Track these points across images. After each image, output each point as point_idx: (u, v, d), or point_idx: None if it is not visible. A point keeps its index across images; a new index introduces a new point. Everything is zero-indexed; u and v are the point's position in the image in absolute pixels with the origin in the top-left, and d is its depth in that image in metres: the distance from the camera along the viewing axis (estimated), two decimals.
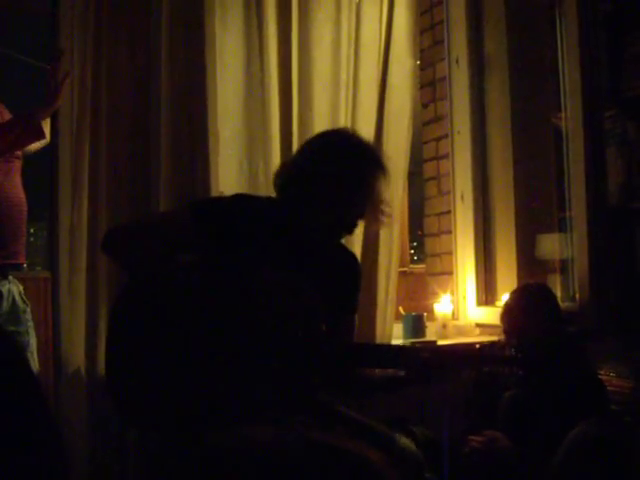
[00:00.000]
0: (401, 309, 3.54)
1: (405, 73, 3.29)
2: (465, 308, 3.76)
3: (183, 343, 2.05)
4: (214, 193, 2.89)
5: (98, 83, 2.84)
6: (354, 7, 3.22)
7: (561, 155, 3.41)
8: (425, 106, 4.08)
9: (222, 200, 2.37)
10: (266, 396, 2.01)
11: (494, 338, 3.10)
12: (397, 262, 3.34)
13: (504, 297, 3.18)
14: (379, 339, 3.19)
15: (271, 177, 3.00)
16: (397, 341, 3.40)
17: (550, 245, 3.78)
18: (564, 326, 2.88)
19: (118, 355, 2.13)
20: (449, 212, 3.87)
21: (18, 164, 2.95)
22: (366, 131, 3.17)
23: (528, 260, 3.78)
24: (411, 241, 6.23)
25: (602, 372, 2.88)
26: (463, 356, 2.27)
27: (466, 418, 2.86)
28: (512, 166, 3.78)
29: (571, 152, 3.25)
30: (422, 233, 4.29)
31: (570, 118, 3.25)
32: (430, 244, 4.05)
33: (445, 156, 3.91)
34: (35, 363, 2.78)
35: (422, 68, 3.98)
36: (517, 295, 2.93)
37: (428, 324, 3.53)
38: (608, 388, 2.77)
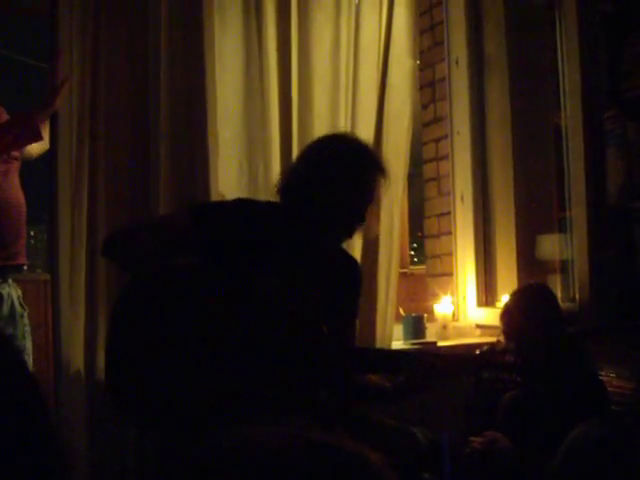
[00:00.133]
0: (401, 310, 3.54)
1: (405, 74, 3.29)
2: (465, 309, 3.75)
3: (182, 343, 2.05)
4: (214, 194, 2.89)
5: (97, 85, 2.84)
6: (353, 8, 3.22)
7: (561, 155, 3.41)
8: (425, 107, 4.07)
9: (223, 204, 2.37)
10: (266, 397, 2.00)
11: (493, 339, 3.10)
12: (397, 263, 3.34)
13: (504, 298, 3.18)
14: (379, 340, 3.19)
15: (271, 179, 3.02)
16: (397, 342, 3.40)
17: (550, 246, 3.78)
18: (564, 326, 2.88)
19: (117, 355, 2.13)
20: (449, 213, 3.86)
21: (16, 165, 2.95)
22: (366, 132, 3.17)
23: (528, 261, 3.78)
24: (411, 242, 6.22)
25: (602, 373, 2.88)
26: (463, 362, 2.27)
27: (466, 419, 2.86)
28: (512, 167, 3.77)
29: (571, 152, 3.25)
30: (422, 234, 4.28)
31: (570, 118, 3.25)
32: (430, 245, 4.05)
33: (445, 157, 3.91)
34: (30, 367, 2.78)
35: (421, 69, 3.97)
36: (517, 296, 2.93)
37: (428, 325, 3.53)
38: (608, 389, 2.76)
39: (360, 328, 2.77)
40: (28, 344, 2.86)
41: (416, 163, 4.06)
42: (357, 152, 2.25)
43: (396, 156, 3.25)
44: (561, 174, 3.44)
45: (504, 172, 3.78)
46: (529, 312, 2.79)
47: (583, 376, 2.74)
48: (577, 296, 3.21)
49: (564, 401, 2.61)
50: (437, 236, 3.96)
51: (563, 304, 3.05)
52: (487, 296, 3.74)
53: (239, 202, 2.33)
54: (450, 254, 3.84)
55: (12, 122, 2.77)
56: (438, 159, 3.97)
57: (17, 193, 2.95)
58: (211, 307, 2.07)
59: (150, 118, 2.89)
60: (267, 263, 2.15)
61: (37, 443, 0.89)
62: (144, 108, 2.90)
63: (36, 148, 3.09)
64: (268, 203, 2.37)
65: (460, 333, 3.68)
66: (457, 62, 3.79)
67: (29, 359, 2.82)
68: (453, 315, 3.72)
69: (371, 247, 3.26)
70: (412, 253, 6.42)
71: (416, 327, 3.46)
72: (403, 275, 4.36)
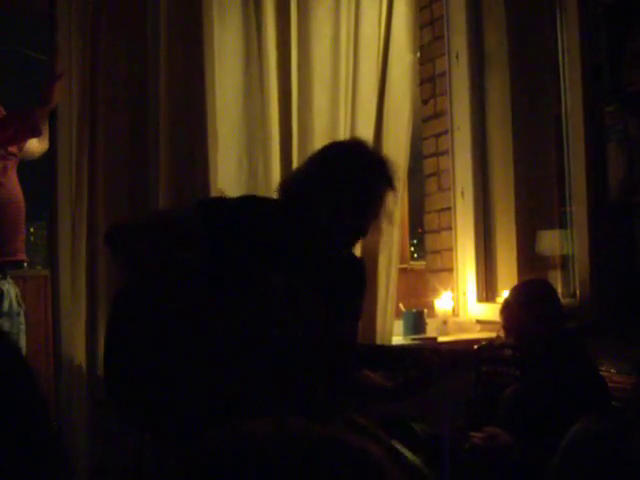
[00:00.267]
0: (401, 306, 3.54)
1: (405, 69, 3.29)
2: (465, 304, 3.75)
3: (182, 342, 2.04)
4: (213, 191, 2.89)
5: (96, 82, 2.83)
6: (353, 3, 3.21)
7: (561, 151, 3.40)
8: (425, 102, 4.07)
9: (229, 200, 2.36)
10: (265, 395, 2.00)
11: (494, 334, 3.10)
12: (397, 259, 3.34)
13: (504, 293, 3.17)
14: (379, 336, 3.18)
15: (270, 174, 3.02)
16: (397, 338, 3.39)
17: (550, 241, 3.77)
18: (565, 322, 2.88)
19: (116, 354, 2.13)
20: (449, 209, 3.86)
21: (14, 162, 2.95)
22: (366, 127, 3.16)
23: (529, 256, 3.78)
24: (411, 238, 6.22)
25: (603, 368, 2.88)
26: (461, 357, 2.26)
27: (466, 414, 2.86)
28: (512, 162, 3.77)
29: (571, 147, 3.25)
30: (422, 230, 4.28)
31: (570, 113, 3.24)
32: (430, 241, 4.05)
33: (445, 152, 3.90)
34: None
35: (421, 64, 3.97)
36: (517, 291, 2.93)
37: (428, 321, 3.52)
38: (609, 384, 2.76)
39: (360, 324, 2.76)
40: (23, 342, 2.86)
41: (416, 158, 4.05)
42: (370, 165, 2.24)
43: (396, 151, 3.24)
44: (561, 169, 3.44)
45: (504, 167, 3.77)
46: (529, 307, 2.79)
47: (583, 371, 2.74)
48: (577, 292, 3.21)
49: (564, 396, 2.61)
50: (437, 231, 3.96)
51: (563, 299, 3.05)
52: (487, 291, 3.73)
53: (245, 199, 2.32)
54: (450, 249, 3.84)
55: (11, 117, 2.77)
56: (438, 154, 3.97)
57: (16, 189, 2.96)
58: (212, 304, 2.07)
59: (149, 115, 2.88)
60: (271, 261, 2.14)
61: (36, 439, 0.88)
62: (143, 104, 2.89)
63: (38, 147, 3.10)
64: (274, 201, 2.36)
65: (460, 328, 3.67)
66: (457, 57, 3.78)
67: None
68: (453, 310, 3.72)
69: (371, 243, 3.25)
70: (412, 249, 6.42)
71: (416, 322, 3.46)
72: (403, 271, 4.35)
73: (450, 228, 3.85)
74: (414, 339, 3.40)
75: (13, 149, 2.98)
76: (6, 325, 2.79)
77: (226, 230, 2.14)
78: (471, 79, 3.75)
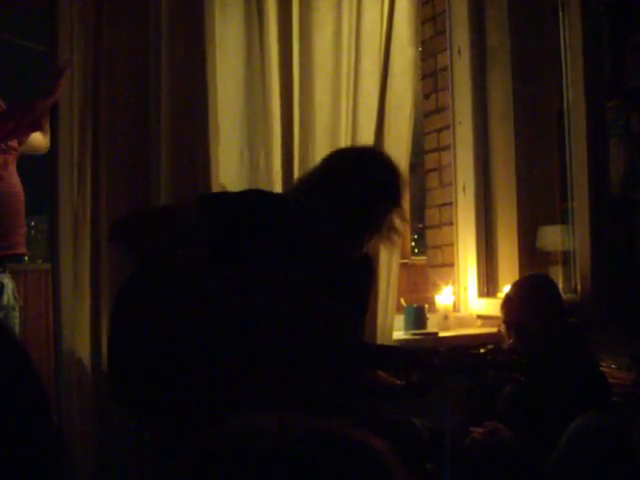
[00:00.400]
0: (402, 301, 3.54)
1: (406, 63, 3.28)
2: (466, 300, 3.75)
3: (185, 334, 2.04)
4: (214, 185, 2.88)
5: (98, 73, 2.83)
6: None
7: (563, 146, 3.40)
8: (426, 97, 4.06)
9: (232, 195, 2.35)
10: (269, 392, 2.00)
11: (494, 329, 3.10)
12: (398, 254, 3.33)
13: (506, 289, 3.17)
14: (380, 331, 3.18)
15: (272, 168, 3.01)
16: (398, 333, 3.39)
17: (552, 236, 3.77)
18: (565, 317, 2.88)
19: (119, 350, 2.13)
20: (450, 204, 3.86)
21: (15, 155, 2.96)
22: (367, 122, 3.16)
23: (530, 251, 3.78)
24: (412, 233, 6.22)
25: (603, 364, 2.88)
26: (466, 361, 2.26)
27: (467, 409, 2.86)
28: (514, 157, 3.77)
29: (573, 143, 3.24)
30: (423, 225, 4.28)
31: (572, 108, 3.24)
32: (431, 236, 4.05)
33: (447, 147, 3.90)
34: None
35: (423, 59, 3.96)
36: (518, 286, 2.93)
37: (429, 316, 3.52)
38: (609, 380, 2.76)
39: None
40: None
41: (418, 153, 4.04)
42: (381, 182, 2.22)
43: (398, 146, 3.23)
44: (563, 165, 3.44)
45: (506, 163, 3.77)
46: (530, 302, 2.79)
47: (584, 367, 2.74)
48: (578, 287, 3.21)
49: (565, 392, 2.62)
50: (438, 226, 3.96)
51: (565, 295, 3.06)
52: (488, 287, 3.73)
53: (249, 193, 2.32)
54: (451, 244, 3.84)
55: (12, 111, 2.76)
56: (440, 149, 3.96)
57: (16, 183, 2.96)
58: (215, 298, 2.06)
59: (151, 108, 2.88)
60: (275, 256, 2.14)
61: (36, 434, 0.88)
62: (145, 96, 2.88)
63: (42, 142, 3.09)
64: (279, 196, 2.35)
65: (461, 324, 3.67)
66: (459, 52, 3.78)
67: None
68: (454, 306, 3.72)
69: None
70: (413, 244, 6.42)
71: (417, 317, 3.46)
72: (404, 266, 4.36)
73: (451, 223, 3.84)
74: (415, 334, 3.40)
75: (14, 143, 2.98)
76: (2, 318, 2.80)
77: (229, 225, 2.14)
78: (473, 74, 3.74)
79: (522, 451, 2.59)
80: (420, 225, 4.84)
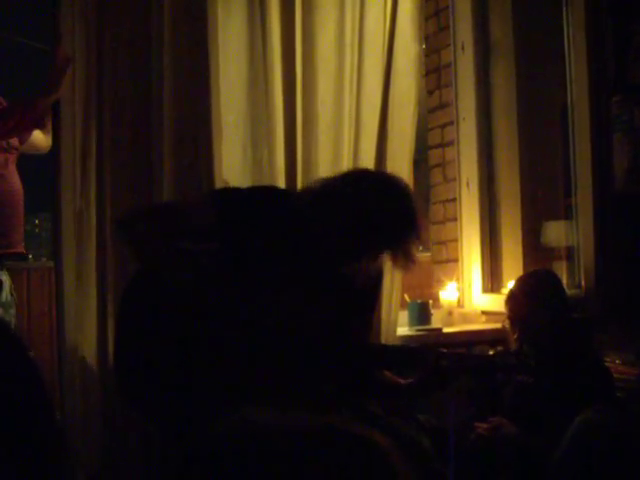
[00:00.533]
0: (406, 297, 3.53)
1: (410, 59, 3.27)
2: (471, 295, 3.75)
3: (192, 330, 2.05)
4: (218, 181, 2.88)
5: (101, 69, 2.83)
6: None
7: (567, 141, 3.39)
8: (430, 93, 4.06)
9: (244, 191, 2.34)
10: (271, 387, 2.01)
11: (498, 325, 3.10)
12: None
13: (510, 284, 3.17)
14: (384, 326, 3.18)
15: (275, 165, 3.01)
16: (402, 329, 3.39)
17: (556, 232, 3.77)
18: (570, 312, 2.87)
19: (125, 348, 2.14)
20: (454, 199, 3.85)
21: (15, 155, 2.97)
22: (371, 118, 3.15)
23: (534, 247, 3.77)
24: None
25: (607, 359, 2.88)
26: (475, 363, 2.26)
27: (471, 405, 2.86)
28: (518, 153, 3.76)
29: (577, 138, 3.24)
30: (427, 221, 4.27)
31: (576, 104, 3.23)
32: (435, 232, 4.04)
33: (450, 143, 3.89)
34: None
35: (427, 55, 3.95)
36: (522, 281, 2.93)
37: (434, 312, 3.52)
38: (613, 375, 2.76)
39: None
40: None
41: (421, 149, 4.04)
42: (398, 218, 2.17)
43: (401, 142, 3.23)
44: (567, 160, 3.43)
45: (510, 158, 3.76)
46: (534, 298, 2.79)
47: (588, 362, 2.74)
48: (583, 282, 3.20)
49: (569, 387, 2.61)
50: (442, 222, 3.95)
51: (569, 290, 3.05)
52: (492, 282, 3.73)
53: (262, 189, 2.31)
54: (456, 240, 3.84)
55: (13, 109, 2.76)
56: (444, 145, 3.96)
57: (16, 182, 2.97)
58: (222, 296, 2.06)
59: (153, 105, 2.88)
60: (286, 254, 2.13)
61: (39, 433, 0.89)
62: (147, 92, 2.88)
63: (44, 141, 3.10)
64: (291, 193, 2.34)
65: (465, 319, 3.67)
66: (463, 47, 3.77)
67: None
68: (458, 301, 3.71)
69: None
70: None
71: (421, 313, 3.46)
72: None
73: (455, 219, 3.84)
74: (419, 330, 3.40)
75: (15, 142, 2.98)
76: None
77: (241, 221, 2.13)
78: (477, 70, 3.73)
79: (526, 447, 2.60)
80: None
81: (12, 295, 2.93)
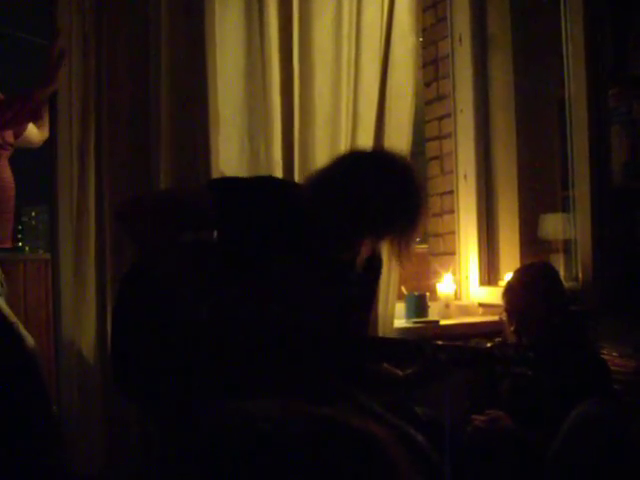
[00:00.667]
0: (403, 289, 3.53)
1: (407, 51, 3.26)
2: (468, 288, 3.75)
3: (187, 326, 2.04)
4: (215, 172, 2.88)
5: (98, 61, 2.82)
6: None
7: (565, 134, 3.38)
8: (427, 85, 4.05)
9: (244, 180, 2.33)
10: (270, 379, 2.00)
11: (495, 317, 3.10)
12: None
13: (507, 277, 3.17)
14: (381, 319, 3.18)
15: (272, 156, 3.00)
16: (399, 321, 3.39)
17: (553, 225, 3.77)
18: (567, 305, 2.88)
19: (122, 338, 2.14)
20: (452, 192, 3.85)
21: (9, 151, 2.97)
22: (368, 110, 3.15)
23: (531, 240, 3.77)
24: None
25: (604, 351, 2.88)
26: (476, 356, 2.26)
27: (468, 398, 2.86)
28: (515, 145, 3.76)
29: (575, 130, 3.23)
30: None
31: (574, 96, 3.22)
32: (433, 224, 4.04)
33: (448, 135, 3.89)
34: None
35: (424, 46, 3.95)
36: (519, 274, 2.93)
37: (431, 304, 3.52)
38: (610, 367, 2.77)
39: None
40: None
41: (419, 142, 4.03)
42: (399, 198, 2.12)
43: (399, 134, 3.22)
44: (564, 153, 3.43)
45: (507, 150, 3.76)
46: (532, 290, 2.79)
47: (585, 355, 2.74)
48: (580, 275, 3.20)
49: (566, 380, 2.62)
50: (440, 215, 3.95)
51: (566, 283, 3.05)
52: (490, 275, 3.73)
53: (262, 179, 2.30)
54: (453, 233, 3.84)
55: (10, 101, 2.76)
56: (441, 137, 3.95)
57: (7, 178, 2.98)
58: (220, 286, 2.06)
59: (151, 97, 2.87)
60: (285, 245, 2.13)
61: (36, 424, 0.89)
62: (145, 85, 2.88)
63: (37, 135, 3.09)
64: (291, 184, 2.33)
65: (463, 312, 3.67)
66: (460, 39, 3.76)
67: None
68: (455, 294, 3.71)
69: None
70: None
71: (418, 306, 3.46)
72: None
73: (452, 211, 3.84)
74: (416, 322, 3.40)
75: (9, 139, 2.98)
76: None
77: (240, 211, 2.12)
78: (474, 62, 3.72)
79: (523, 439, 2.60)
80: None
81: (2, 285, 2.92)
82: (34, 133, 3.07)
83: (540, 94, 3.84)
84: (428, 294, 3.55)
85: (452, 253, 3.83)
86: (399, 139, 3.21)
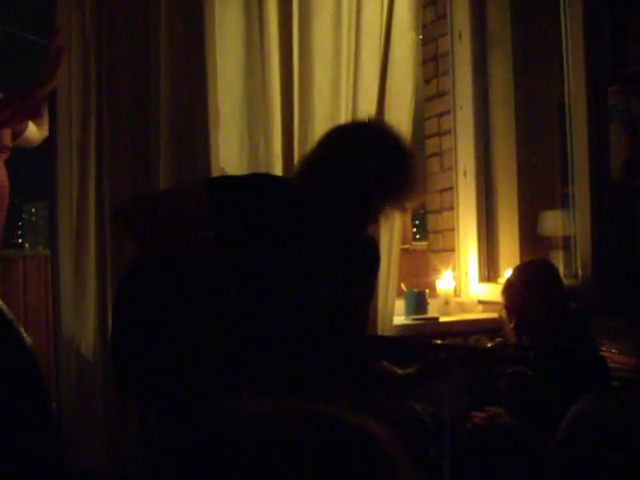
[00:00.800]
0: (403, 286, 3.54)
1: (407, 48, 3.26)
2: (467, 285, 3.75)
3: (186, 324, 2.05)
4: (215, 168, 2.88)
5: (98, 59, 2.82)
6: None
7: (564, 131, 3.38)
8: (427, 82, 4.05)
9: (239, 179, 2.34)
10: (267, 376, 2.01)
11: (495, 314, 3.10)
12: (398, 239, 3.33)
13: (507, 274, 3.17)
14: (381, 316, 3.19)
15: (272, 153, 3.00)
16: (399, 318, 3.40)
17: (553, 222, 3.77)
18: (566, 302, 2.88)
19: (123, 335, 2.14)
20: (451, 188, 3.85)
21: (7, 154, 2.97)
22: (367, 107, 3.15)
23: (531, 237, 3.77)
24: (413, 218, 6.22)
25: (604, 348, 2.88)
26: (473, 355, 2.26)
27: (468, 394, 2.87)
28: (515, 142, 3.76)
29: (574, 127, 3.23)
30: (424, 210, 4.27)
31: (573, 93, 3.22)
32: (432, 221, 4.04)
33: (447, 132, 3.89)
34: None
35: (424, 43, 3.94)
36: (519, 271, 2.93)
37: (430, 301, 3.52)
38: (610, 364, 2.77)
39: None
40: None
41: (418, 138, 4.03)
42: (395, 148, 2.19)
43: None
44: (564, 150, 3.42)
45: (507, 147, 3.76)
46: (531, 288, 2.79)
47: (584, 352, 2.75)
48: (579, 272, 3.20)
49: (565, 376, 2.62)
50: (439, 211, 3.95)
51: (565, 280, 3.05)
52: (489, 272, 3.73)
53: (256, 177, 2.30)
54: (452, 229, 3.83)
55: (9, 99, 2.75)
56: (440, 134, 3.95)
57: (3, 181, 2.98)
58: (217, 284, 2.06)
59: (151, 93, 2.87)
60: (281, 242, 2.13)
61: (35, 420, 0.89)
62: (144, 81, 2.88)
63: (36, 134, 3.09)
64: (286, 180, 2.34)
65: (462, 309, 3.68)
66: (460, 36, 3.76)
67: None
68: (455, 291, 3.72)
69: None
70: (414, 229, 6.41)
71: (418, 303, 3.46)
72: (405, 251, 4.35)
73: (452, 208, 3.84)
74: (415, 319, 3.41)
75: (7, 141, 2.99)
76: None
77: (236, 209, 2.13)
78: (474, 59, 3.72)
79: (522, 436, 2.60)
80: (421, 210, 4.82)
81: None
82: (33, 132, 3.07)
83: (540, 91, 3.84)
84: (427, 291, 3.55)
85: (452, 250, 3.83)
86: None
